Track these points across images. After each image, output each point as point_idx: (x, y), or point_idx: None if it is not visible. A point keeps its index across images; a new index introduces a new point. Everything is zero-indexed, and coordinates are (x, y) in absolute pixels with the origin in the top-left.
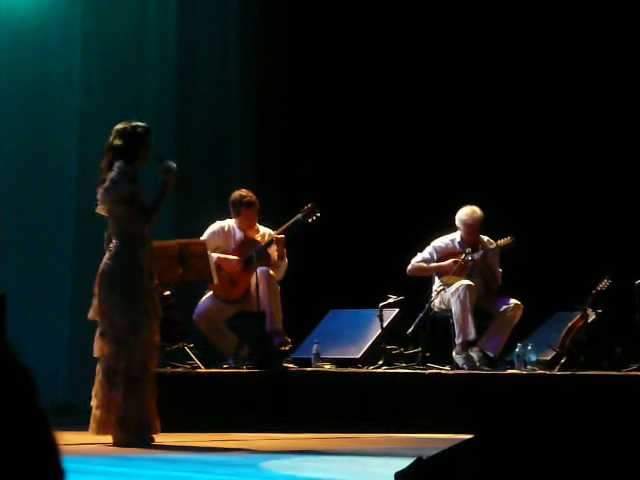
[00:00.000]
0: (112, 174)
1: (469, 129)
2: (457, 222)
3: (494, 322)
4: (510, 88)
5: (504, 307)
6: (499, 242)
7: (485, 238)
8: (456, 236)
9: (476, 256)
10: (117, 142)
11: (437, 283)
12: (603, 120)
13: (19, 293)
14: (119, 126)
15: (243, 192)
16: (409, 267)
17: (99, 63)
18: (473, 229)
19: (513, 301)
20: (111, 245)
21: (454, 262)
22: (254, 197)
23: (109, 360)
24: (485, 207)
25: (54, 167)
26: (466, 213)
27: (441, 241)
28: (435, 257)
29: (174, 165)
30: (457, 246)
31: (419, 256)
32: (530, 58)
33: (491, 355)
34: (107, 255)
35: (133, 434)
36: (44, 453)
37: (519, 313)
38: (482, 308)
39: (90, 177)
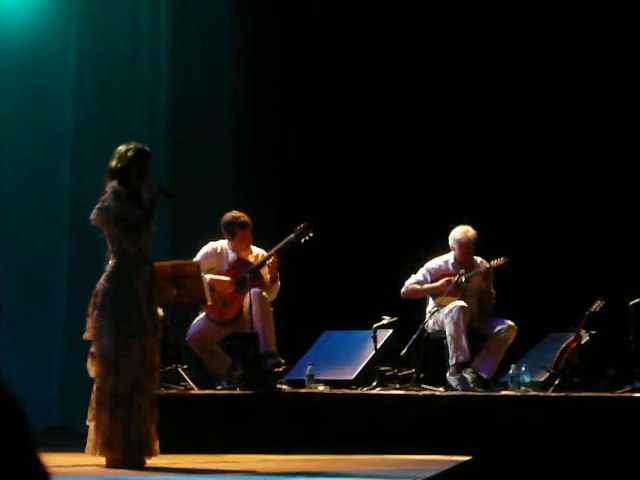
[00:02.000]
0: (105, 195)
1: (463, 151)
2: (451, 242)
3: (487, 343)
4: (504, 109)
5: (498, 328)
6: (492, 263)
7: (478, 259)
8: (449, 257)
9: (469, 276)
10: (112, 163)
11: (431, 304)
12: (597, 142)
13: (13, 314)
14: (118, 148)
15: (236, 213)
16: (403, 289)
17: (93, 79)
18: (468, 249)
19: (507, 322)
20: (107, 265)
21: (447, 281)
22: (247, 218)
23: (98, 380)
24: (478, 228)
25: (49, 184)
26: (460, 232)
27: (434, 262)
28: (429, 279)
29: (156, 182)
30: (450, 267)
31: (413, 278)
32: (527, 73)
33: (485, 376)
34: (103, 275)
35: (120, 455)
36: None
37: (513, 334)
38: (476, 329)
39: (85, 196)
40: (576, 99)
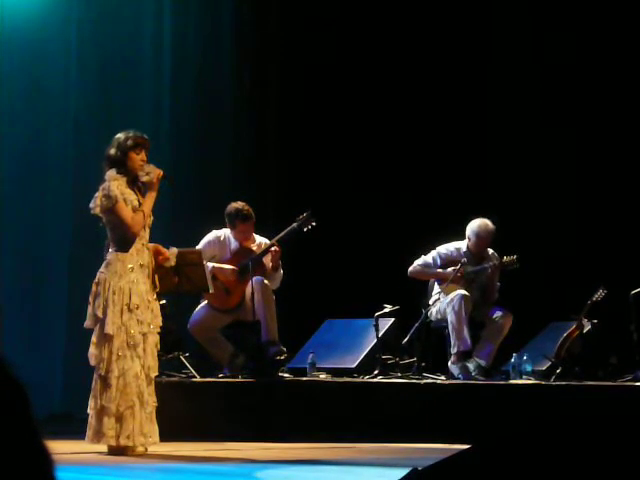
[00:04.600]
0: (104, 183)
1: (466, 139)
2: (468, 232)
3: (485, 330)
4: (507, 102)
5: (494, 315)
6: (505, 259)
7: (490, 251)
8: (462, 245)
9: (478, 270)
10: (110, 151)
11: (436, 289)
12: (599, 132)
13: (15, 302)
14: (116, 136)
15: (239, 205)
16: (411, 268)
17: (95, 70)
18: (485, 242)
19: (503, 309)
20: (108, 254)
21: (454, 270)
22: (250, 210)
23: (100, 369)
24: (480, 216)
25: (50, 176)
26: (480, 225)
27: (446, 248)
28: (438, 263)
29: (156, 169)
30: (462, 255)
31: (422, 259)
32: (535, 69)
33: (483, 363)
34: (104, 263)
35: (121, 443)
36: (37, 466)
37: (509, 321)
38: (475, 318)
39: (86, 185)
40: (579, 93)
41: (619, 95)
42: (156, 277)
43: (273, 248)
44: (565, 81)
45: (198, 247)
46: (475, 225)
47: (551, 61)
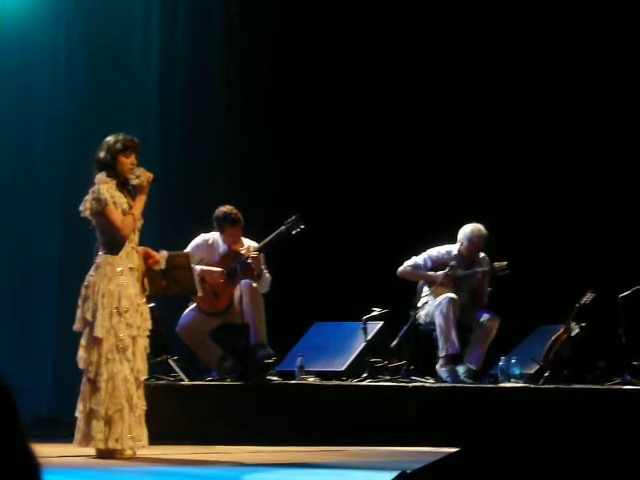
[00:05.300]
0: (94, 186)
1: (455, 143)
2: (461, 236)
3: (473, 334)
4: (500, 107)
5: (481, 319)
6: (495, 265)
7: (481, 255)
8: (453, 249)
9: (468, 274)
10: (100, 155)
11: (425, 291)
12: (587, 137)
13: (4, 305)
14: (106, 139)
15: (227, 209)
16: (401, 268)
17: (84, 71)
18: (478, 247)
19: (490, 312)
20: (97, 257)
21: (444, 273)
22: (239, 214)
23: (89, 372)
24: (468, 220)
25: (40, 179)
26: (472, 230)
27: (437, 251)
28: (429, 265)
29: (145, 172)
30: (453, 259)
31: (412, 260)
32: (534, 72)
33: (473, 367)
34: (93, 267)
35: (110, 446)
36: (23, 470)
37: (496, 324)
38: (462, 321)
39: (76, 188)
40: (569, 102)
41: (611, 101)
42: (145, 280)
43: (252, 254)
44: (555, 91)
45: (186, 250)
46: (468, 230)
47: (544, 69)
